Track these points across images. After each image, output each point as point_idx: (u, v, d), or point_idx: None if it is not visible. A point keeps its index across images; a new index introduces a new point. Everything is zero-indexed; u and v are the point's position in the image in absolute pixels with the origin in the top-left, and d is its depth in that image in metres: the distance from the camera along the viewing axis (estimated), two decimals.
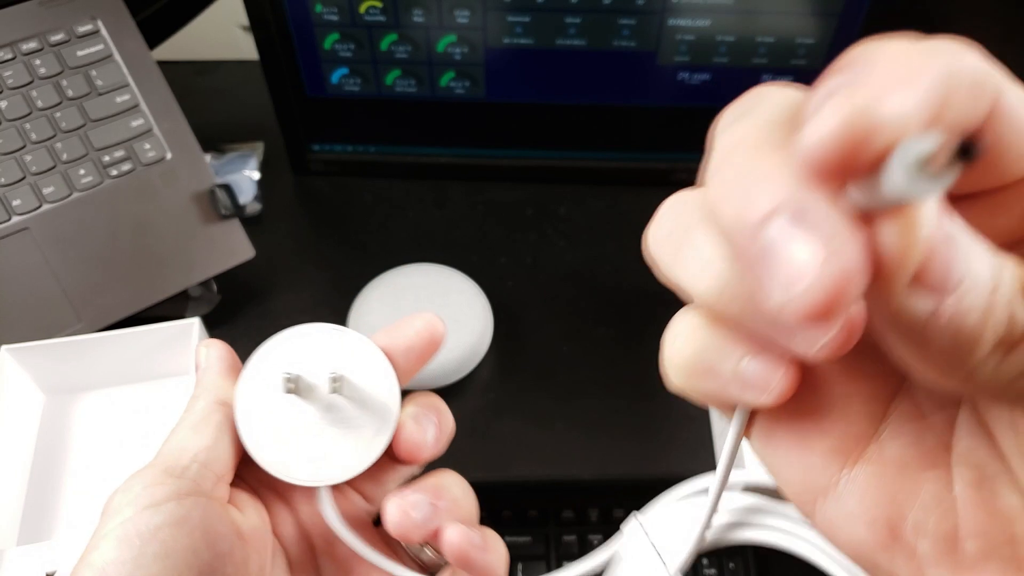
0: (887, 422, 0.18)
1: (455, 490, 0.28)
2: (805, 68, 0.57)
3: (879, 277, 0.13)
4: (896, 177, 0.11)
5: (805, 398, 0.18)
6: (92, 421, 0.50)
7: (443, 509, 0.27)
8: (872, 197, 0.12)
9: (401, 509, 0.26)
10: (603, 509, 0.52)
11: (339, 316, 0.56)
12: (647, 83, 0.58)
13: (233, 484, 0.27)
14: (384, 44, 0.56)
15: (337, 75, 0.58)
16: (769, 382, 0.17)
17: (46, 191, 0.53)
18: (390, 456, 0.28)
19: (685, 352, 0.18)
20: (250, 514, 0.27)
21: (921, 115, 0.12)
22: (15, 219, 0.52)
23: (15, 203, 0.52)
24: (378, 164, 0.65)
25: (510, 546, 0.51)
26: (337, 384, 0.27)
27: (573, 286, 0.59)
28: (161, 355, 0.50)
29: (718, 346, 0.17)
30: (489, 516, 0.51)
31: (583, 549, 0.51)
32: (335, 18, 0.55)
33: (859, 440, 0.18)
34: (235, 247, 0.56)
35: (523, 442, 0.52)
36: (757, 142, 0.15)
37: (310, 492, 0.29)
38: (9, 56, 0.53)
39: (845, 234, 0.13)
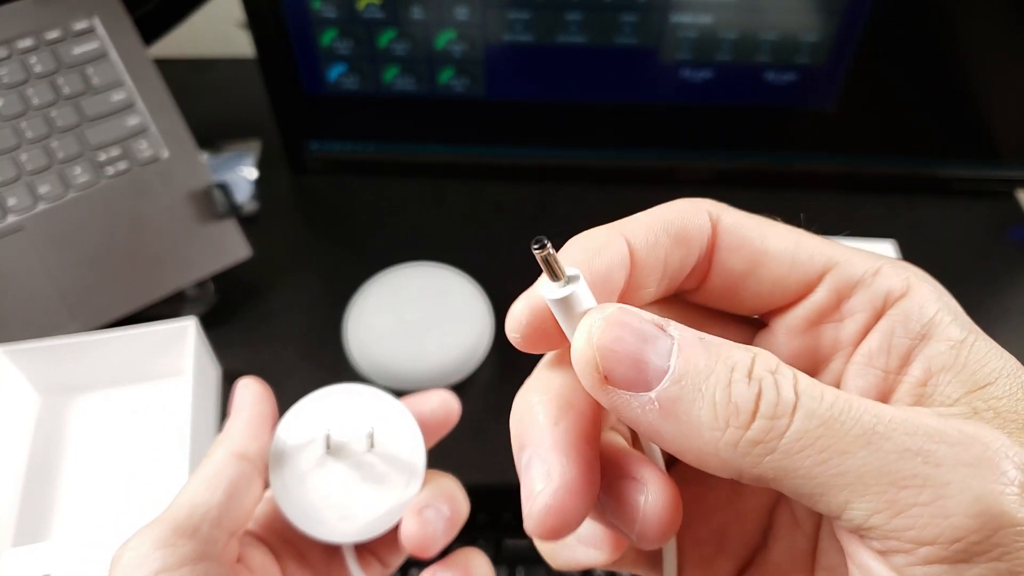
0: (772, 530, 0.20)
1: (481, 569, 0.28)
2: (808, 66, 0.56)
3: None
4: (543, 291, 0.17)
5: (702, 524, 0.21)
6: (88, 422, 0.50)
7: None
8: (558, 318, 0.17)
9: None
10: None
11: (337, 316, 0.56)
12: (649, 80, 0.58)
13: (248, 535, 0.28)
14: (383, 41, 0.56)
15: (335, 72, 0.58)
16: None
17: (41, 190, 0.52)
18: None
19: None
20: (260, 575, 0.27)
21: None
22: (10, 218, 0.51)
23: (10, 202, 0.51)
24: (376, 162, 0.65)
25: (511, 550, 0.50)
26: (371, 443, 0.28)
27: None
28: (157, 355, 0.50)
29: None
30: (489, 520, 0.51)
31: None
32: (333, 14, 0.54)
33: (751, 551, 0.20)
34: (232, 246, 0.55)
35: None
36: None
37: (328, 550, 0.29)
38: (4, 54, 0.53)
39: (564, 470, 0.16)
